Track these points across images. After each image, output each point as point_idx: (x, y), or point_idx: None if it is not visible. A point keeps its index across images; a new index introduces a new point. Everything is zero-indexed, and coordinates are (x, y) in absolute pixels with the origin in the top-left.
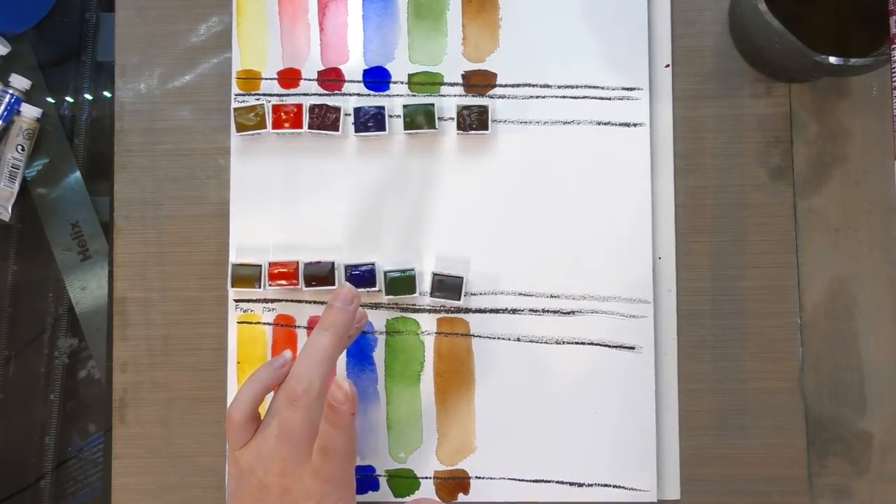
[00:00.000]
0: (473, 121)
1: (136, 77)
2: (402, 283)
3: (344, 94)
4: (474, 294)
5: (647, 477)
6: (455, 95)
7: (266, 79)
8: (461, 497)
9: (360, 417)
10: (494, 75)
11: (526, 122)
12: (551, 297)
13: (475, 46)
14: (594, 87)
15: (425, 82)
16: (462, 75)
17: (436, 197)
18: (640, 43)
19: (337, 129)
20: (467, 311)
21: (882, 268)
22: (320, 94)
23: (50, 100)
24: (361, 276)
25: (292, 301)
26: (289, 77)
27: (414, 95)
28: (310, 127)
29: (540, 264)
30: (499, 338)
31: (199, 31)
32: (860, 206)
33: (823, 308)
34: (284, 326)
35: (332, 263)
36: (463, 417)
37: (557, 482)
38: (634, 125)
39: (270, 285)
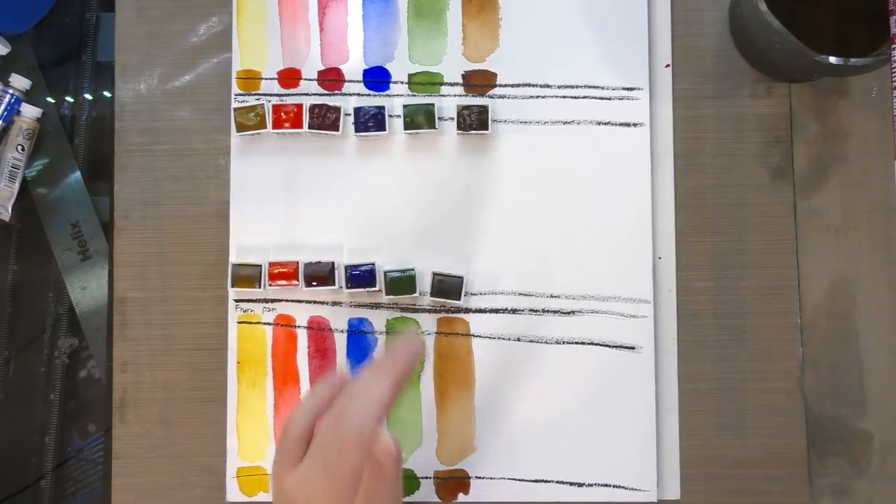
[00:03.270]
0: (473, 121)
1: (136, 77)
2: (402, 283)
3: (344, 94)
4: (474, 294)
5: (647, 477)
6: (455, 95)
7: (266, 79)
8: (461, 497)
9: None
10: (494, 75)
11: (526, 122)
12: (551, 297)
13: (475, 46)
14: (594, 87)
15: (425, 82)
16: (462, 75)
17: (436, 197)
18: (640, 43)
19: (337, 129)
20: (467, 311)
21: (882, 268)
22: (320, 94)
23: (50, 100)
24: (361, 276)
25: (292, 301)
26: (289, 77)
27: (414, 95)
28: (310, 127)
29: (540, 264)
30: (499, 338)
31: (199, 31)
32: (860, 206)
33: (823, 308)
34: (284, 326)
35: (332, 263)
36: (463, 417)
37: (557, 482)
38: (634, 125)
39: (270, 285)
